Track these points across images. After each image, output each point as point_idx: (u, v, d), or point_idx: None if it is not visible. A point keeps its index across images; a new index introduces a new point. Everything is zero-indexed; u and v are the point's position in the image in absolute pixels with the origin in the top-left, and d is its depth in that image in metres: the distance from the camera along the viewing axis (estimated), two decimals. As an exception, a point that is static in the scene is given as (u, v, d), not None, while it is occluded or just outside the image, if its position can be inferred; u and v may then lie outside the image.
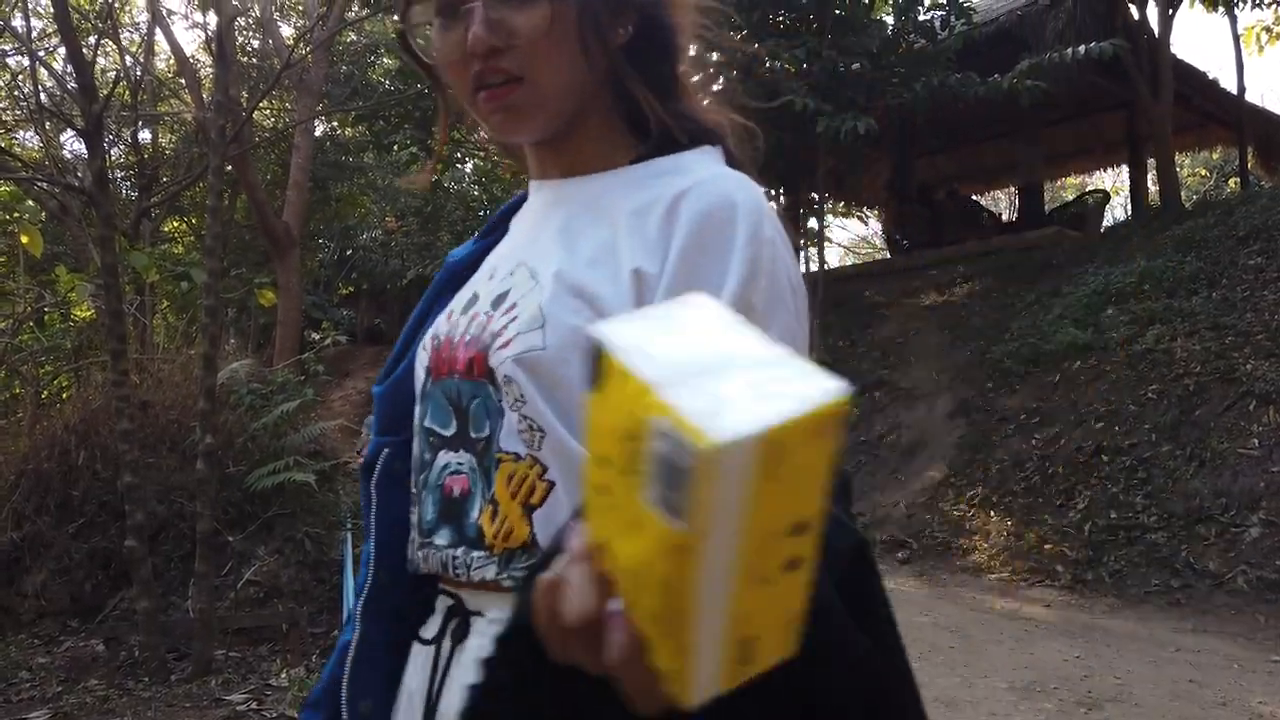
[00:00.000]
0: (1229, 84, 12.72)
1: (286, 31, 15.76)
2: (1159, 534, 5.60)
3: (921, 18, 9.64)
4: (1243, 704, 3.51)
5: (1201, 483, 5.72)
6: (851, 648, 0.53)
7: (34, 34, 10.76)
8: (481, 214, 18.73)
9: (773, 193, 12.11)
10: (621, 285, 0.72)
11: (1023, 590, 5.60)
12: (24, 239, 5.03)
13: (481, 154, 14.90)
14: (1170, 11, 10.62)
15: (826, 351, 9.96)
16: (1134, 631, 4.69)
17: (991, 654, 4.13)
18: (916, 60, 9.46)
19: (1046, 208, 12.83)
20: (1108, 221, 13.36)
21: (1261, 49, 13.29)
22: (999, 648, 4.25)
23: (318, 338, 7.32)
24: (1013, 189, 18.04)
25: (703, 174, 0.76)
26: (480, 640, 0.75)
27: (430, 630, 0.81)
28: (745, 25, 9.63)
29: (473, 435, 0.78)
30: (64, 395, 6.59)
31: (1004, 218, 16.38)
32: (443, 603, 0.81)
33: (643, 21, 0.80)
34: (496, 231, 0.92)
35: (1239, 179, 13.84)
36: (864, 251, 28.92)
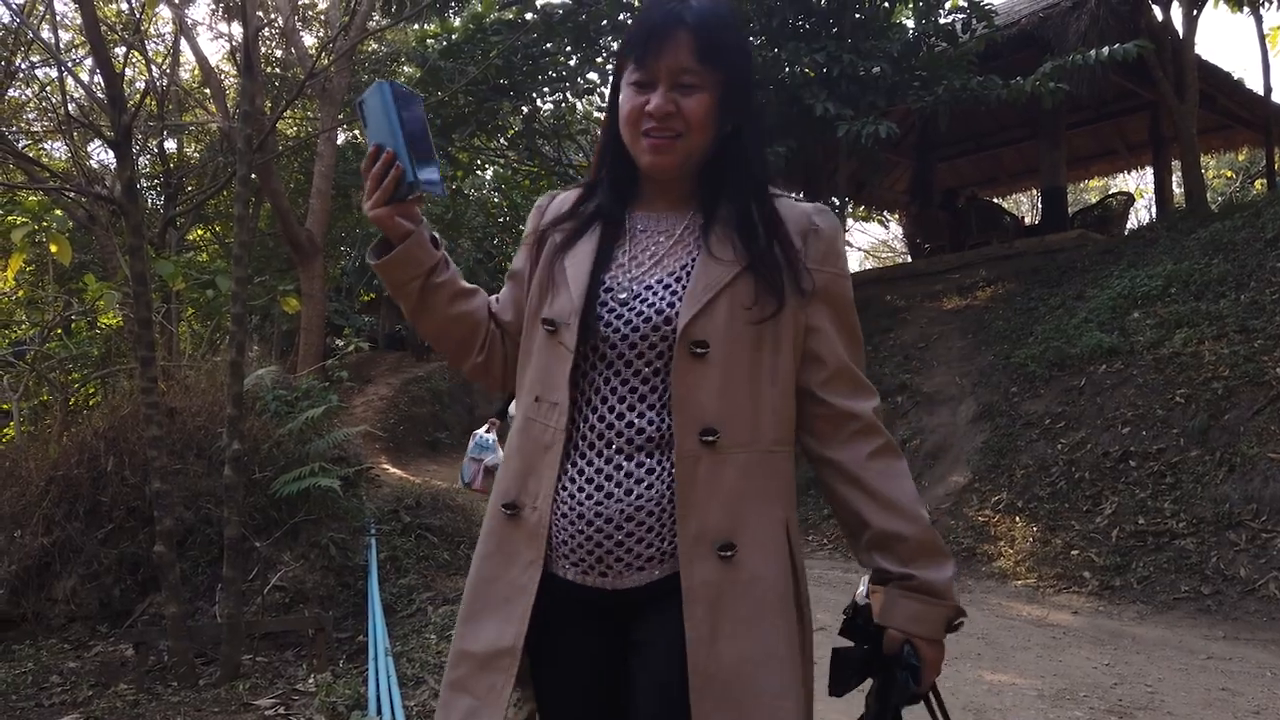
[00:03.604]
0: (1255, 84, 12.58)
1: (309, 41, 15.91)
2: (1188, 540, 5.53)
3: (942, 21, 9.60)
4: (1277, 712, 3.45)
5: (1231, 488, 5.64)
6: None
7: (61, 46, 10.92)
8: (502, 220, 18.78)
9: (793, 196, 12.08)
10: None
11: (1050, 596, 5.54)
12: (53, 248, 5.09)
13: (501, 161, 14.96)
14: (1194, 12, 10.51)
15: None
16: (1164, 639, 4.63)
17: (1019, 661, 4.10)
18: (937, 63, 9.41)
19: (1070, 210, 12.73)
20: (1132, 224, 13.23)
21: (1288, 48, 13.14)
22: (1027, 654, 4.21)
23: (340, 344, 7.38)
24: (1035, 192, 17.93)
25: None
26: None
27: None
28: (765, 30, 9.62)
29: None
30: (91, 402, 6.67)
31: (1026, 221, 16.26)
32: None
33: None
34: None
35: (1265, 180, 13.68)
36: (885, 255, 28.80)
